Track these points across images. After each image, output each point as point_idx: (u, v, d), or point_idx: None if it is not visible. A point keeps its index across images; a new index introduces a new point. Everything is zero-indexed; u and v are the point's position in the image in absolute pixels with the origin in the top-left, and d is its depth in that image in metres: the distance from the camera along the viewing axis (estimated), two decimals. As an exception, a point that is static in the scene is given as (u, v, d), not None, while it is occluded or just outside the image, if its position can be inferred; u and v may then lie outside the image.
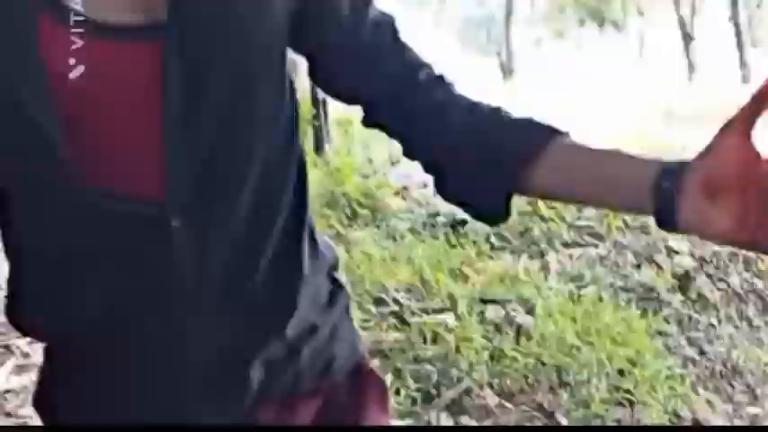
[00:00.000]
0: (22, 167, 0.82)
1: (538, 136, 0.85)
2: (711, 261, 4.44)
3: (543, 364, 2.94)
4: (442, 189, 0.92)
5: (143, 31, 0.79)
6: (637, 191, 0.77)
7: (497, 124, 0.87)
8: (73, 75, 0.77)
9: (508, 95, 11.41)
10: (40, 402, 1.01)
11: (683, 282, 4.17)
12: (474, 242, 4.18)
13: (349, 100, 0.95)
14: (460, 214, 4.29)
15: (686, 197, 0.72)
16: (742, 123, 0.69)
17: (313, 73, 0.95)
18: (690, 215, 0.72)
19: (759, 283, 4.45)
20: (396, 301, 3.32)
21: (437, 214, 4.63)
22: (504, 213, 0.89)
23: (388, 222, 4.67)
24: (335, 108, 6.02)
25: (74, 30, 0.76)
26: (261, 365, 0.94)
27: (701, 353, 3.78)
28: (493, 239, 4.28)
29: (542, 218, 4.58)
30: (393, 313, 3.26)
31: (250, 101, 0.85)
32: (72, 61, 0.77)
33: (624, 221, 4.77)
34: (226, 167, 0.85)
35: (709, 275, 4.35)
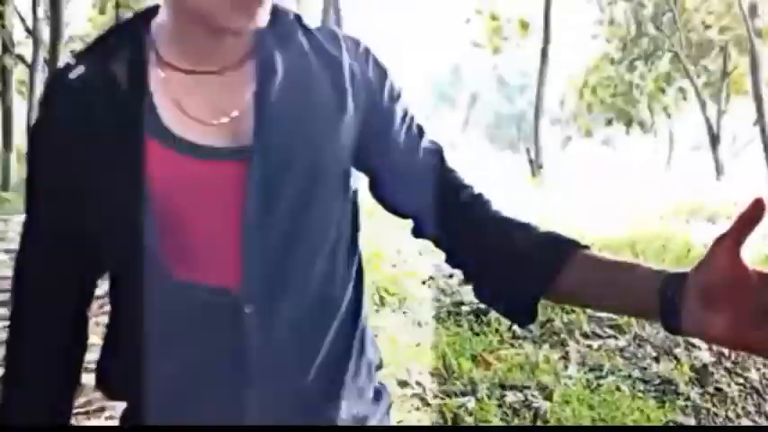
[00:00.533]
0: (125, 259, 0.99)
1: (561, 251, 0.97)
2: (730, 356, 4.53)
3: (559, 447, 3.07)
4: (479, 293, 1.06)
5: (231, 152, 0.96)
6: (645, 298, 0.86)
7: (528, 240, 0.99)
8: (165, 184, 0.94)
9: (536, 192, 11.69)
10: None
11: (702, 375, 4.25)
12: (496, 330, 4.33)
13: (402, 215, 1.10)
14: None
15: (686, 304, 0.81)
16: (732, 239, 0.77)
17: (372, 188, 1.09)
18: (690, 320, 0.81)
19: (779, 380, 4.51)
20: (419, 384, 3.47)
21: (462, 303, 4.80)
22: (532, 316, 1.02)
23: (414, 310, 4.85)
24: (364, 198, 6.30)
25: (173, 150, 0.95)
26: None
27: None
28: (515, 328, 4.43)
29: (563, 309, 4.73)
30: (416, 395, 3.41)
31: (316, 213, 1.00)
32: (165, 172, 0.94)
33: (644, 315, 4.90)
34: (293, 267, 0.99)
35: (727, 369, 4.43)
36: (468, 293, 5.06)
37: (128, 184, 0.94)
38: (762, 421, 4.25)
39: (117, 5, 15.27)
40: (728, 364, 4.48)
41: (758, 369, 4.52)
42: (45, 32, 12.25)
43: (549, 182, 13.84)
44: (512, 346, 4.12)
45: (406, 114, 1.07)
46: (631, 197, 10.19)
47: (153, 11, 1.03)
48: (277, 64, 0.99)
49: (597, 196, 10.57)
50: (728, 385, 4.28)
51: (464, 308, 4.77)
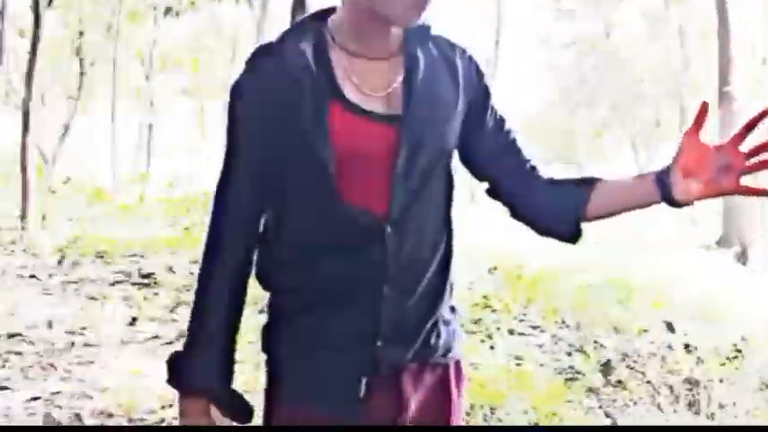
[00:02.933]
0: (299, 180, 1.32)
1: (589, 182, 1.41)
2: (632, 356, 5.30)
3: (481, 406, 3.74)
4: (544, 227, 1.45)
5: (388, 118, 1.31)
6: (649, 189, 1.31)
7: (565, 185, 1.43)
8: (343, 134, 1.29)
9: (477, 213, 12.46)
10: (265, 335, 1.43)
11: (606, 369, 4.98)
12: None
13: (481, 177, 1.48)
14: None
15: (673, 181, 1.27)
16: (693, 131, 1.25)
17: (463, 153, 1.45)
18: (678, 190, 1.27)
19: (671, 378, 5.28)
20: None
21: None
22: (577, 231, 1.42)
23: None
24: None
25: (350, 111, 1.30)
26: (423, 332, 1.40)
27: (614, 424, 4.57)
28: (450, 323, 5.11)
29: (493, 309, 5.45)
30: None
31: (438, 172, 1.38)
32: (344, 126, 1.29)
33: (562, 319, 5.66)
34: (422, 202, 1.35)
35: (629, 367, 5.18)
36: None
37: (317, 131, 1.28)
38: (654, 410, 5.00)
39: None
40: (631, 363, 5.24)
41: (656, 369, 5.29)
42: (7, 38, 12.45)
43: (487, 207, 14.59)
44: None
45: (493, 105, 1.46)
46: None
47: (329, 11, 1.39)
48: (419, 60, 1.35)
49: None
50: (627, 379, 5.02)
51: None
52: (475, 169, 1.48)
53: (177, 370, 1.38)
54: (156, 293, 5.37)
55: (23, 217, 8.28)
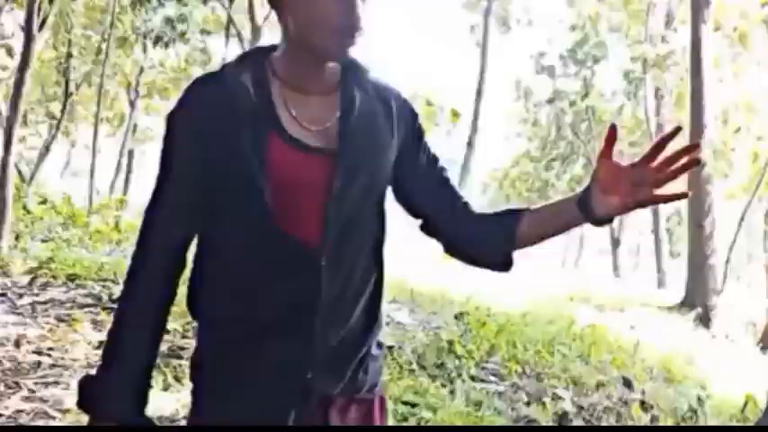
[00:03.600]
0: (235, 210, 1.34)
1: (517, 214, 1.47)
2: (588, 409, 5.41)
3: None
4: (471, 258, 1.52)
5: (324, 151, 1.35)
6: (572, 211, 1.38)
7: (497, 217, 1.49)
8: (280, 166, 1.32)
9: (448, 266, 12.58)
10: (194, 363, 1.45)
11: (562, 419, 5.09)
12: (400, 365, 5.11)
13: (416, 214, 1.53)
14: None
15: (594, 200, 1.34)
16: (606, 153, 1.32)
17: (398, 190, 1.50)
18: (599, 207, 1.34)
19: (623, 433, 5.40)
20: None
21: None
22: (508, 262, 1.48)
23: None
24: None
25: (288, 144, 1.33)
26: (351, 366, 1.44)
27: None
28: (414, 366, 5.22)
29: (456, 354, 5.55)
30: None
31: (373, 202, 1.44)
32: (281, 158, 1.32)
33: (524, 369, 5.78)
34: (355, 235, 1.39)
35: (585, 419, 5.29)
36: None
37: (254, 161, 1.32)
38: (607, 463, 5.11)
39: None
40: (586, 416, 5.35)
41: (609, 422, 5.41)
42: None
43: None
44: (410, 373, 4.90)
45: (426, 144, 1.53)
46: (534, 281, 11.18)
47: (271, 48, 1.43)
48: (355, 98, 1.41)
49: (501, 276, 11.53)
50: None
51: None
52: (409, 206, 1.54)
53: (90, 394, 1.39)
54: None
55: (-3, 235, 8.27)
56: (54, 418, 3.54)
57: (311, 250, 1.35)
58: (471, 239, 1.50)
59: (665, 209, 19.70)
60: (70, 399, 3.76)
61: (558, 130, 24.62)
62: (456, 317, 6.88)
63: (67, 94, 16.28)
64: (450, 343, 5.69)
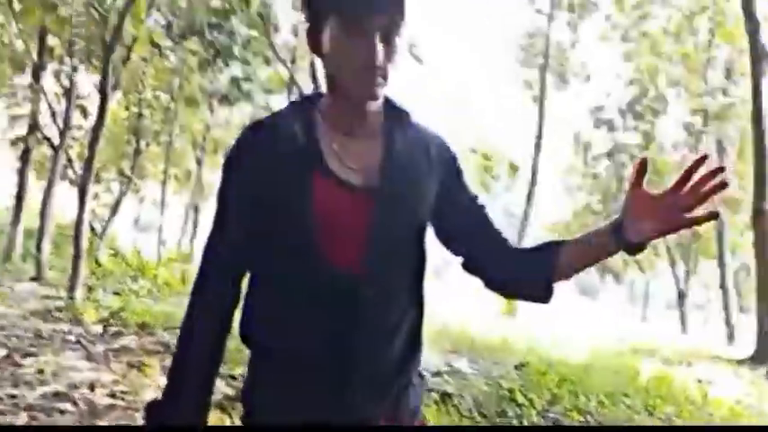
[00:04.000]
0: (284, 245, 1.42)
1: (554, 246, 1.52)
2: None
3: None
4: (518, 291, 1.58)
5: (363, 187, 1.44)
6: (607, 241, 1.43)
7: (535, 250, 1.54)
8: (325, 203, 1.41)
9: (510, 319, 12.56)
10: (246, 390, 1.52)
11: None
12: (460, 413, 5.13)
13: (457, 251, 1.58)
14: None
15: (626, 228, 1.40)
16: (637, 183, 1.38)
17: (439, 230, 1.57)
18: (632, 234, 1.39)
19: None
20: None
21: (431, 390, 5.60)
22: (549, 293, 1.53)
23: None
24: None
25: (333, 183, 1.42)
26: (392, 392, 1.49)
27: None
28: (475, 414, 5.22)
29: (517, 404, 5.53)
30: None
31: (412, 239, 1.51)
32: (327, 196, 1.41)
33: (586, 419, 5.71)
34: (395, 268, 1.47)
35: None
36: (434, 383, 5.87)
37: (302, 198, 1.42)
38: None
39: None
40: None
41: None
42: (73, 118, 13.16)
43: (521, 313, 14.73)
44: (470, 420, 4.91)
45: (465, 184, 1.60)
46: (597, 333, 11.03)
47: (320, 95, 1.53)
48: (396, 141, 1.50)
49: (562, 328, 11.43)
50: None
51: (432, 394, 5.57)
52: (450, 244, 1.59)
53: (156, 417, 1.48)
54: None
55: (72, 288, 8.61)
56: (128, 456, 3.67)
57: (352, 279, 1.42)
58: (511, 274, 1.56)
59: (731, 263, 19.26)
60: (143, 439, 3.90)
61: (618, 182, 24.42)
62: (516, 367, 6.86)
63: (137, 152, 16.92)
64: (511, 391, 5.68)
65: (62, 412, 4.24)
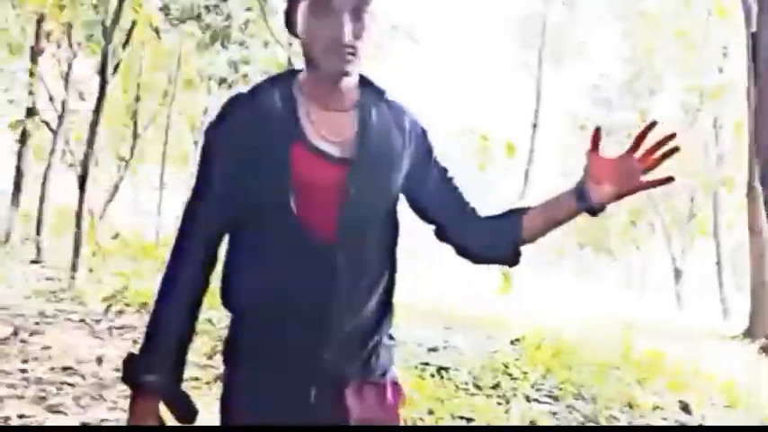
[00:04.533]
0: (262, 211, 1.50)
1: (519, 212, 1.65)
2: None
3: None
4: (480, 258, 1.69)
5: (339, 158, 1.52)
6: (570, 204, 1.56)
7: (501, 216, 1.67)
8: (303, 172, 1.48)
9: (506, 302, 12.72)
10: (226, 348, 1.60)
11: (619, 441, 5.18)
12: (456, 385, 5.30)
13: (430, 221, 1.70)
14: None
15: (588, 191, 1.52)
16: (593, 150, 1.51)
17: (412, 200, 1.67)
18: (594, 196, 1.52)
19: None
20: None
21: (427, 363, 5.78)
22: (515, 257, 1.66)
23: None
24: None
25: (311, 153, 1.50)
26: (365, 351, 1.59)
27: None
28: (469, 386, 5.40)
29: (512, 377, 5.71)
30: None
31: (385, 208, 1.59)
32: (304, 165, 1.49)
33: (579, 391, 5.89)
34: (368, 235, 1.55)
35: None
36: (432, 357, 6.04)
37: (281, 166, 1.50)
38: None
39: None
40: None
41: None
42: (71, 101, 13.23)
43: (516, 290, 14.88)
44: (466, 392, 5.08)
45: (436, 158, 1.70)
46: (590, 310, 11.21)
47: (299, 70, 1.61)
48: (372, 115, 1.59)
49: (557, 304, 11.61)
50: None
51: (429, 367, 5.75)
52: (422, 214, 1.71)
53: (132, 368, 1.51)
54: (196, 341, 5.75)
55: (74, 268, 8.76)
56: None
57: (328, 247, 1.50)
58: (480, 240, 1.67)
59: (727, 241, 19.45)
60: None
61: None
62: (512, 342, 7.03)
63: (136, 135, 17.01)
64: (506, 365, 5.86)
65: (72, 385, 4.41)
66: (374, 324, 1.61)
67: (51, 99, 13.48)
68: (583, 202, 1.55)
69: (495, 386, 5.51)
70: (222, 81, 15.12)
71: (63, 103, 13.10)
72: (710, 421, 5.99)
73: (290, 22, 1.59)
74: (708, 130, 20.32)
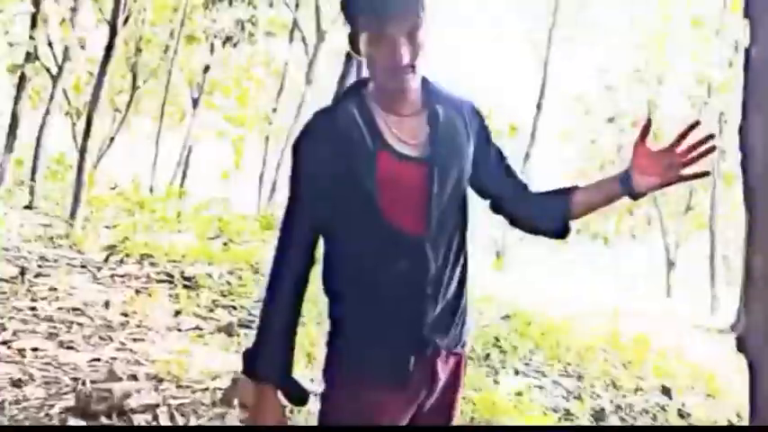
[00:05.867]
0: (354, 212, 1.72)
1: (569, 190, 1.88)
2: (625, 409, 5.82)
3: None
4: (533, 228, 1.92)
5: (419, 159, 1.73)
6: (615, 188, 1.79)
7: (552, 193, 1.90)
8: (388, 174, 1.70)
9: (499, 273, 13.06)
10: (331, 328, 1.82)
11: (598, 416, 5.51)
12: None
13: (487, 196, 1.91)
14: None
15: (634, 179, 1.75)
16: (641, 141, 1.75)
17: (473, 180, 1.84)
18: (638, 185, 1.75)
19: (661, 434, 5.79)
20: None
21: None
22: (566, 229, 1.89)
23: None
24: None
25: (394, 157, 1.71)
26: (452, 325, 1.81)
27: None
28: (461, 355, 5.70)
29: (501, 350, 6.02)
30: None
31: (460, 195, 1.80)
32: (389, 168, 1.71)
33: (565, 368, 6.21)
34: (449, 224, 1.76)
35: (621, 419, 5.70)
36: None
37: (368, 174, 1.71)
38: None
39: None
40: (622, 415, 5.76)
41: (645, 422, 5.80)
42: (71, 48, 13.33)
43: (509, 268, 15.25)
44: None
45: (492, 140, 1.92)
46: (580, 294, 11.53)
47: (367, 80, 1.81)
48: (439, 114, 1.79)
49: (547, 287, 11.95)
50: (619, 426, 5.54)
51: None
52: (482, 191, 1.91)
53: (251, 362, 1.76)
54: (197, 294, 6.04)
55: (72, 215, 9.00)
56: (144, 364, 4.13)
57: (417, 238, 1.72)
58: (534, 214, 1.91)
59: (722, 237, 19.81)
60: (157, 352, 4.37)
61: (618, 150, 24.78)
62: (503, 318, 7.34)
63: (134, 88, 17.15)
64: (497, 338, 6.17)
65: (80, 325, 4.69)
66: (457, 302, 1.82)
67: (50, 45, 13.53)
68: (628, 188, 1.77)
69: (486, 357, 5.82)
70: (227, 39, 15.31)
71: (65, 50, 13.16)
72: (690, 408, 6.32)
73: (353, 43, 1.77)
74: (712, 123, 20.56)
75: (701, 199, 22.77)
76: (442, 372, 1.79)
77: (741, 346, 1.17)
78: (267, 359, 1.75)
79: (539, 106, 22.52)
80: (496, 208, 1.94)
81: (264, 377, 1.75)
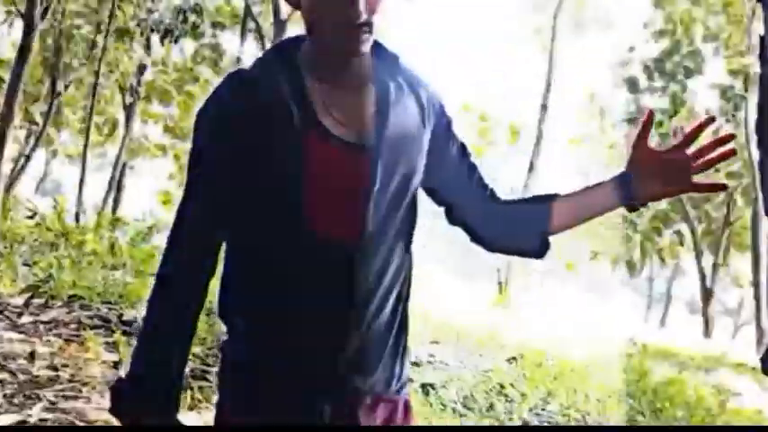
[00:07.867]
0: (267, 207, 1.57)
1: (548, 199, 1.77)
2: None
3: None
4: (509, 246, 1.81)
5: (357, 144, 1.58)
6: (608, 198, 1.68)
7: (527, 203, 1.82)
8: (317, 163, 1.55)
9: (503, 310, 13.15)
10: (222, 372, 1.70)
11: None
12: (443, 404, 5.69)
13: (443, 202, 1.80)
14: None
15: (636, 185, 1.64)
16: (642, 140, 1.64)
17: (427, 180, 1.71)
18: (640, 193, 1.65)
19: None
20: None
21: (410, 379, 6.16)
22: (543, 249, 1.78)
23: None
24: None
25: (325, 140, 1.56)
26: (381, 365, 1.66)
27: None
28: (458, 407, 5.80)
29: (508, 399, 6.12)
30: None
31: (410, 191, 1.66)
32: (319, 155, 1.55)
33: (584, 419, 6.31)
34: (390, 231, 1.62)
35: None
36: (414, 373, 6.42)
37: (291, 159, 1.55)
38: None
39: None
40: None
41: None
42: None
43: (514, 302, 15.36)
44: (454, 412, 5.49)
45: (454, 133, 1.79)
46: (601, 330, 11.64)
47: (299, 39, 1.66)
48: (389, 90, 1.64)
49: (561, 323, 12.07)
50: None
51: (412, 384, 6.13)
52: (437, 195, 1.80)
53: (123, 398, 1.60)
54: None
55: (-16, 251, 8.99)
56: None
57: (345, 246, 1.57)
58: (502, 228, 1.80)
59: (765, 261, 20.04)
60: (93, 411, 4.41)
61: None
62: (508, 360, 7.43)
63: (54, 95, 17.08)
64: (502, 386, 6.26)
65: (1, 383, 4.72)
66: (391, 333, 1.69)
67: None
68: (626, 196, 1.69)
69: (489, 408, 5.91)
70: (166, 33, 15.28)
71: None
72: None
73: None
74: (750, 122, 20.72)
75: (743, 213, 22.91)
76: (366, 423, 1.66)
77: (766, 368, 1.25)
78: (147, 394, 1.59)
79: (544, 105, 22.74)
80: (454, 218, 1.83)
81: (141, 417, 1.59)
